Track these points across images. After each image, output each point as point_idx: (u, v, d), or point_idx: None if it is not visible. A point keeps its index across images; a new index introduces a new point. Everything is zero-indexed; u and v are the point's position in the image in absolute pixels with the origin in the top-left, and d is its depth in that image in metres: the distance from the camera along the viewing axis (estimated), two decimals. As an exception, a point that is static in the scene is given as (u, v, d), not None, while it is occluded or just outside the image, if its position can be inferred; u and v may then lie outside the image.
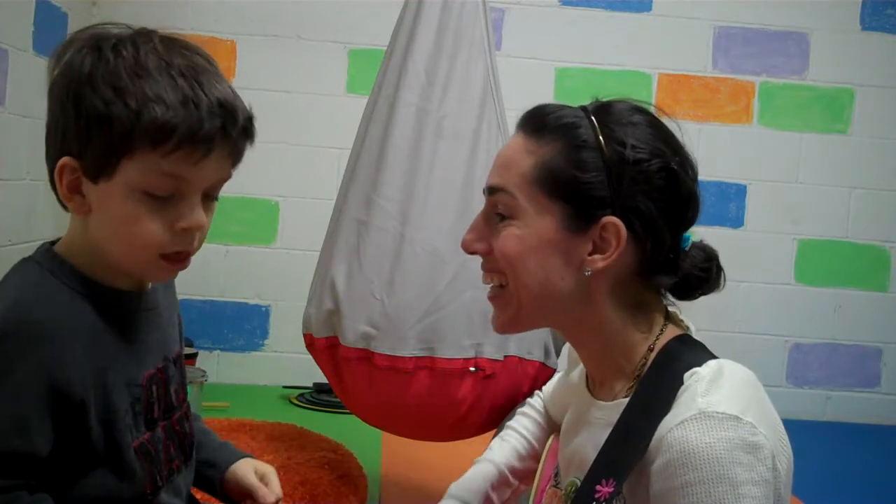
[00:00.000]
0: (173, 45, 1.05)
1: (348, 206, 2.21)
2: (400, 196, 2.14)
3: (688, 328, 1.14)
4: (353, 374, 2.17)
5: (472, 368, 2.07)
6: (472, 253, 1.14)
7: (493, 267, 1.12)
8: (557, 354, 2.24)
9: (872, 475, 3.08)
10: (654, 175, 1.06)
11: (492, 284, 1.14)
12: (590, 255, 1.07)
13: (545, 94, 3.60)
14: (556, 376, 1.44)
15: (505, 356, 2.10)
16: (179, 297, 1.26)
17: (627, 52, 3.64)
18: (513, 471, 1.38)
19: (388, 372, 2.09)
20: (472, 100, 2.18)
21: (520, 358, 2.12)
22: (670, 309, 1.14)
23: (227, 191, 1.10)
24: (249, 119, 1.07)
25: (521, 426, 1.43)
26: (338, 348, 2.15)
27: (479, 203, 2.12)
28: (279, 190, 3.55)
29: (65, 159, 1.02)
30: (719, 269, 1.12)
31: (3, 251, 2.69)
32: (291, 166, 3.54)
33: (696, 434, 0.96)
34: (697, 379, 1.02)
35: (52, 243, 1.10)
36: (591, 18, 3.63)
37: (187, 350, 3.17)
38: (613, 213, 1.05)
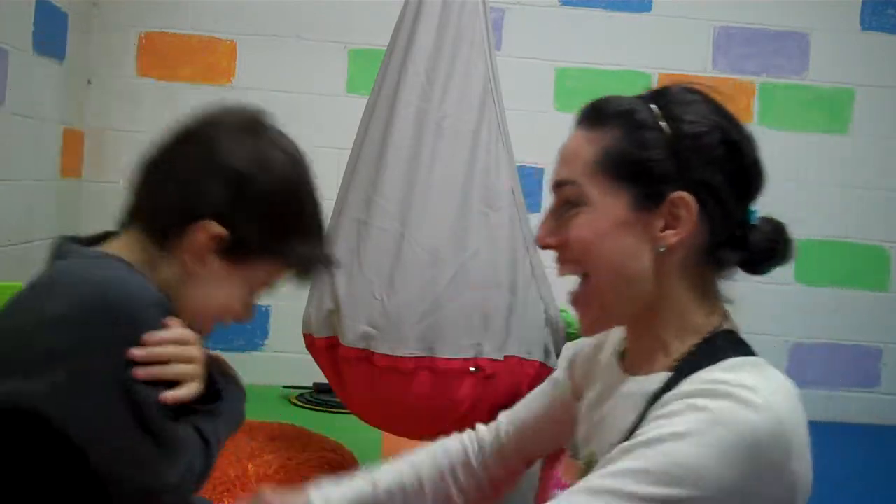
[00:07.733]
0: None
1: (348, 205, 2.21)
2: (400, 196, 2.14)
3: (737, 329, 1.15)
4: (353, 374, 2.17)
5: (472, 368, 2.07)
6: (545, 247, 1.15)
7: (570, 257, 1.13)
8: (557, 355, 2.24)
9: (872, 475, 3.08)
10: (716, 147, 1.09)
11: (573, 289, 1.15)
12: (662, 231, 1.08)
13: (545, 94, 3.61)
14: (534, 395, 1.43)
15: (505, 356, 2.10)
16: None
17: (627, 52, 3.63)
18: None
19: (388, 372, 2.09)
20: (472, 100, 2.18)
21: (520, 358, 2.12)
22: (727, 307, 1.16)
23: (227, 190, 1.09)
24: None
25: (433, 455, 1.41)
26: (338, 348, 2.15)
27: (478, 203, 2.15)
28: (279, 190, 3.53)
29: (216, 226, 1.06)
30: (788, 240, 1.14)
31: (3, 251, 2.69)
32: (291, 166, 3.53)
33: (720, 375, 0.99)
34: (742, 363, 1.04)
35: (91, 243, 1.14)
36: (591, 18, 3.62)
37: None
38: (681, 189, 1.07)
